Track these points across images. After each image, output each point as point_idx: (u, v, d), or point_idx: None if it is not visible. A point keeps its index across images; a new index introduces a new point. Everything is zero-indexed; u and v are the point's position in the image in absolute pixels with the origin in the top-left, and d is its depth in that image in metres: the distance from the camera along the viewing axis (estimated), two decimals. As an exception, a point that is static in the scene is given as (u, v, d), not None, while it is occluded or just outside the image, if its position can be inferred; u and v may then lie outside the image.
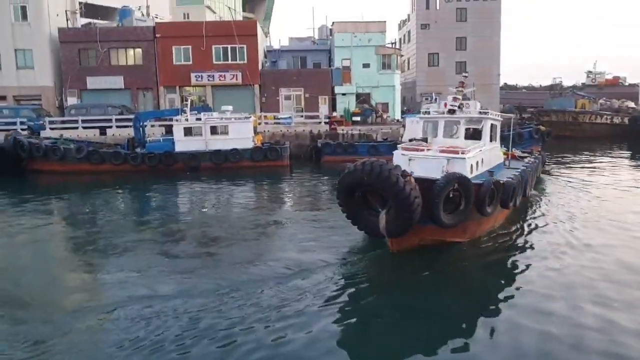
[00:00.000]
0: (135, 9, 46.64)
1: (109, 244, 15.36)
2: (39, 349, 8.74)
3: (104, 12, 51.64)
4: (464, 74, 19.52)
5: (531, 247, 14.35)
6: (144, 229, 17.76)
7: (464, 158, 14.58)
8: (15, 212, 20.45)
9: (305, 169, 31.72)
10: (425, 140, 16.92)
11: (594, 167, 30.53)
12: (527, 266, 12.73)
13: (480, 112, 16.91)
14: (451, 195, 12.74)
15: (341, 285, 11.57)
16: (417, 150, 15.60)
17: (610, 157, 36.20)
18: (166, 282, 11.74)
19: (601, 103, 58.82)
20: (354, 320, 10.05)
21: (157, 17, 48.08)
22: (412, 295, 11.52)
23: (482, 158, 16.19)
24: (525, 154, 23.65)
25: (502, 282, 12.06)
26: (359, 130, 38.51)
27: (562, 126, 50.21)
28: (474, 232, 14.58)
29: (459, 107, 16.78)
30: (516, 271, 12.60)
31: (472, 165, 15.03)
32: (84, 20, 47.73)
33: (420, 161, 15.06)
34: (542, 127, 37.16)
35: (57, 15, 43.10)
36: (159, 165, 30.42)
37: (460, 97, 17.17)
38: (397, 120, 43.84)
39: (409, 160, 15.17)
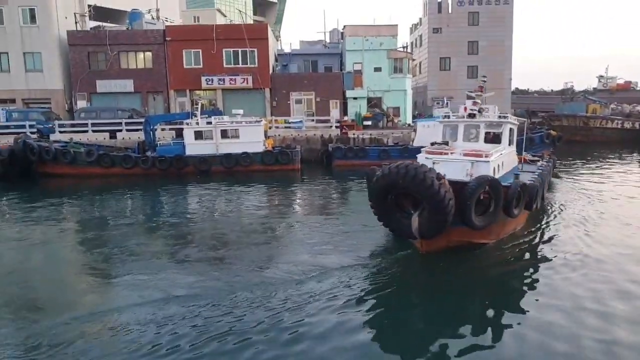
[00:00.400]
0: (145, 12, 46.48)
1: (120, 247, 15.20)
2: (50, 352, 8.68)
3: (113, 15, 51.57)
4: (482, 78, 19.64)
5: (552, 249, 14.33)
6: (156, 232, 17.57)
7: (488, 161, 14.69)
8: (26, 215, 20.19)
9: (316, 173, 31.32)
10: (446, 143, 16.92)
11: (604, 172, 30.21)
12: (551, 267, 12.75)
13: (499, 117, 16.93)
14: (481, 198, 12.91)
15: (360, 288, 11.41)
16: (441, 153, 15.62)
17: (620, 162, 35.67)
18: (179, 285, 11.62)
19: (612, 108, 58.24)
20: (375, 321, 9.98)
21: (167, 21, 47.91)
22: (436, 297, 11.50)
23: (503, 161, 16.37)
24: (536, 158, 23.50)
25: (527, 283, 12.05)
26: (370, 134, 38.10)
27: (573, 131, 49.76)
28: (498, 234, 14.71)
29: (478, 111, 16.86)
30: (540, 272, 12.57)
31: (494, 168, 15.08)
32: (93, 24, 47.68)
33: (445, 164, 15.08)
34: (552, 132, 36.67)
35: (66, 18, 42.98)
36: (169, 168, 30.14)
37: (479, 101, 17.29)
38: (408, 125, 43.44)
39: (433, 163, 15.16)
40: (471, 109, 16.86)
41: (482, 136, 16.84)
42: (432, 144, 16.96)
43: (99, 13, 48.12)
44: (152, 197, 25.39)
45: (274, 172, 30.24)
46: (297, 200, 23.94)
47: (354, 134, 37.77)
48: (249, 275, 12.27)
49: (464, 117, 17.06)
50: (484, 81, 18.54)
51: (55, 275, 13.00)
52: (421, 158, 15.72)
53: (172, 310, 10.18)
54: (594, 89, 73.91)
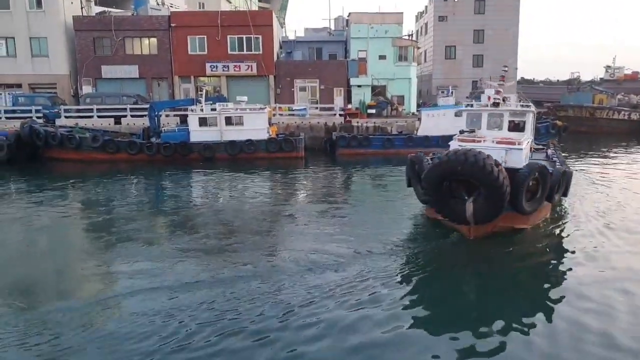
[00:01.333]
0: (151, -3, 46.38)
1: (125, 233, 15.37)
2: (54, 337, 8.69)
3: (118, 0, 51.47)
4: (503, 68, 20.13)
5: (578, 239, 14.60)
6: (160, 219, 17.80)
7: (521, 149, 15.10)
8: (31, 200, 20.49)
9: (319, 161, 31.43)
10: (473, 131, 17.26)
11: (613, 162, 30.33)
12: (579, 258, 12.96)
13: (522, 106, 17.56)
14: (530, 184, 13.54)
15: (396, 274, 11.67)
16: (473, 141, 15.84)
17: (628, 153, 35.56)
18: (186, 273, 11.66)
19: (619, 99, 57.83)
20: (410, 310, 10.03)
21: (172, 7, 47.83)
22: (469, 285, 11.79)
23: (528, 149, 17.08)
24: (540, 147, 23.69)
25: (560, 274, 12.21)
26: (374, 122, 38.14)
27: (579, 122, 49.43)
28: (535, 219, 15.22)
29: (502, 100, 17.42)
30: (571, 262, 12.77)
31: (525, 155, 15.68)
32: (99, 9, 47.59)
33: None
34: (558, 122, 36.57)
35: (72, 3, 42.94)
36: (174, 155, 30.31)
37: (502, 90, 17.73)
38: (413, 113, 43.40)
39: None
40: (495, 98, 17.28)
41: (505, 125, 17.18)
42: (461, 132, 17.26)
43: (104, -2, 48.14)
44: (157, 183, 25.61)
45: (278, 159, 30.37)
46: (305, 188, 24.10)
47: (357, 122, 37.79)
48: (261, 262, 12.39)
49: (487, 105, 17.45)
50: (505, 71, 19.12)
51: (60, 260, 13.16)
52: (454, 145, 15.88)
53: (179, 299, 10.16)
54: (601, 79, 73.38)
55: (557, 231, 15.36)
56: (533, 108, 17.75)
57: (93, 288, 11.15)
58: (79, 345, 8.47)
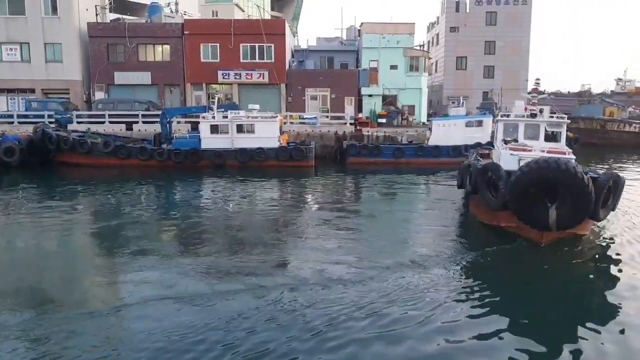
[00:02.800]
0: (164, 5, 46.83)
1: (134, 239, 15.22)
2: (58, 346, 8.47)
3: (133, 8, 51.91)
4: (536, 80, 21.45)
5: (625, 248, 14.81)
6: (170, 226, 17.70)
7: (573, 158, 15.46)
8: (42, 203, 20.62)
9: (330, 170, 31.38)
10: (515, 141, 17.80)
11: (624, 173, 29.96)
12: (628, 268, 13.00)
13: (557, 117, 18.16)
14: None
15: (454, 283, 11.58)
16: (524, 150, 16.42)
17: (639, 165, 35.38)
18: (197, 284, 11.26)
19: (630, 111, 57.55)
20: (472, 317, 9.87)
21: (185, 14, 48.21)
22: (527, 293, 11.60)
23: None
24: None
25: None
26: (384, 132, 38.13)
27: (590, 134, 49.27)
28: (590, 226, 15.52)
29: (540, 111, 17.93)
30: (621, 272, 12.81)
31: None
32: (113, 16, 48.08)
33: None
34: (569, 134, 36.39)
35: (87, 10, 43.40)
36: (184, 161, 30.41)
37: (536, 101, 18.77)
38: (423, 123, 43.41)
39: (519, 160, 15.76)
40: (531, 109, 17.99)
41: (542, 135, 17.78)
42: (506, 142, 17.77)
43: (119, 6, 48.50)
44: (167, 189, 25.69)
45: (288, 168, 30.32)
46: (318, 197, 23.90)
47: (368, 132, 37.78)
48: (280, 276, 11.98)
49: (524, 116, 18.04)
50: (538, 83, 20.71)
51: (66, 267, 12.93)
52: (505, 155, 16.42)
53: (190, 312, 9.70)
54: (612, 91, 73.01)
55: (614, 238, 15.62)
56: (566, 119, 18.30)
57: (98, 297, 10.84)
58: (84, 356, 8.25)
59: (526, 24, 53.23)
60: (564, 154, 15.79)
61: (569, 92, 76.91)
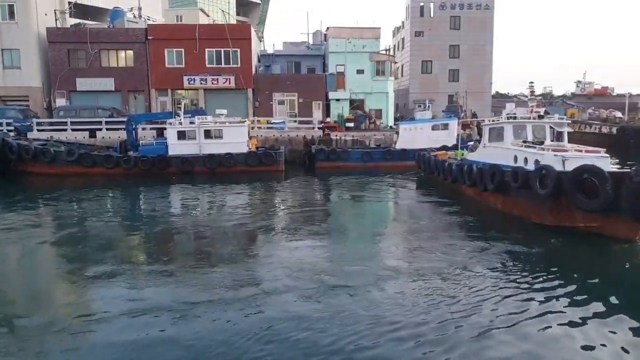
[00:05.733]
0: (127, 10, 45.96)
1: (99, 252, 14.46)
2: None
3: (94, 12, 50.87)
4: (530, 83, 23.75)
5: None
6: (137, 236, 17.11)
7: (607, 156, 16.81)
8: (1, 215, 19.70)
9: (299, 175, 31.30)
10: (541, 142, 18.83)
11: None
12: None
13: (559, 118, 19.91)
14: None
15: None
16: (565, 151, 17.20)
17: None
18: (162, 295, 10.74)
19: (590, 113, 59.24)
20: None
21: (149, 19, 47.43)
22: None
23: None
24: None
25: None
26: (352, 136, 38.25)
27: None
28: None
29: (545, 112, 19.67)
30: None
31: None
32: (73, 21, 46.93)
33: (575, 160, 16.34)
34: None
35: (46, 14, 42.33)
36: (151, 169, 29.83)
37: (535, 104, 20.59)
38: (390, 127, 43.69)
39: (563, 160, 16.47)
40: (536, 111, 19.62)
41: (548, 135, 19.26)
42: (525, 143, 18.76)
43: (79, 10, 47.41)
44: (134, 197, 25.11)
45: (258, 173, 30.00)
46: (294, 201, 23.49)
47: (336, 136, 37.85)
48: (247, 283, 11.60)
49: (529, 118, 19.54)
50: (532, 85, 21.79)
51: (29, 280, 12.41)
52: (548, 156, 16.86)
53: (158, 324, 9.27)
54: (572, 93, 75.10)
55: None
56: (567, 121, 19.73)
57: (60, 312, 10.17)
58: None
59: (489, 28, 54.16)
60: (598, 152, 16.87)
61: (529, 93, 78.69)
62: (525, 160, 18.10)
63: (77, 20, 47.20)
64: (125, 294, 10.92)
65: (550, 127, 19.43)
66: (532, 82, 20.78)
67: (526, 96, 69.83)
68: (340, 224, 18.51)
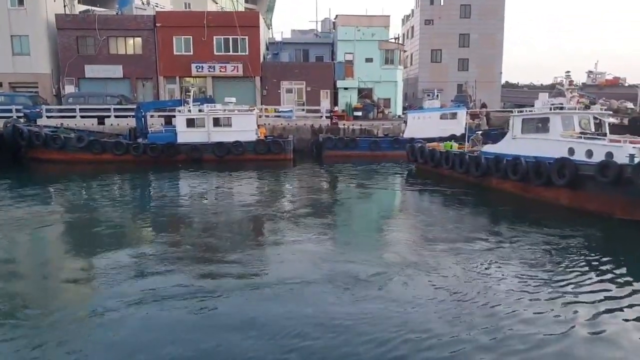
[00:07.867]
0: (136, -3, 45.84)
1: (109, 238, 14.65)
2: (33, 347, 8.07)
3: (102, -1, 50.84)
4: (566, 72, 21.69)
5: None
6: (147, 223, 17.30)
7: None
8: (13, 201, 19.82)
9: (307, 163, 31.28)
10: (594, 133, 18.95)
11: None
12: None
13: (600, 109, 20.39)
14: None
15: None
16: (636, 142, 17.03)
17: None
18: (173, 282, 10.75)
19: (601, 103, 58.53)
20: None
21: (157, 6, 47.28)
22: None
23: None
24: None
25: None
26: (360, 125, 38.12)
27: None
28: None
29: (591, 103, 20.58)
30: None
31: None
32: (82, 7, 46.93)
33: None
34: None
35: (55, 1, 42.30)
36: (161, 156, 29.89)
37: (576, 94, 20.09)
38: (399, 116, 43.52)
39: None
40: (582, 101, 19.97)
41: (592, 125, 19.40)
42: (584, 135, 18.50)
43: (87, -3, 47.43)
44: (143, 184, 25.17)
45: (266, 161, 30.07)
46: (303, 190, 23.51)
47: (344, 125, 37.73)
48: (258, 270, 11.81)
49: (575, 109, 19.45)
50: (568, 75, 20.79)
51: (40, 265, 12.48)
52: (628, 148, 16.56)
53: (163, 305, 9.45)
54: (583, 84, 74.21)
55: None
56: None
57: (72, 298, 10.32)
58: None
59: (500, 16, 53.61)
60: None
61: (542, 84, 78.06)
62: (589, 153, 17.37)
63: (86, 7, 47.18)
64: (133, 282, 10.94)
65: (595, 118, 19.39)
66: (568, 71, 20.40)
67: (536, 87, 69.30)
68: (349, 213, 18.59)
